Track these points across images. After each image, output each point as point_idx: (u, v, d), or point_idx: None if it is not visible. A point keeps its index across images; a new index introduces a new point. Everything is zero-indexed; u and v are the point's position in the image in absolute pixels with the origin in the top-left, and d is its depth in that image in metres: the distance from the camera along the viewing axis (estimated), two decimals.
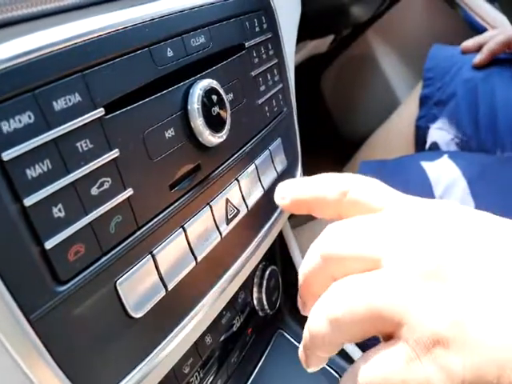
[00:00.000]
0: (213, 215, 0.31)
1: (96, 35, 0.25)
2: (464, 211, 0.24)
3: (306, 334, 0.26)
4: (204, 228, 0.30)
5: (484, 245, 0.22)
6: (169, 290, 0.27)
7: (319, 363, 0.27)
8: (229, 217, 0.33)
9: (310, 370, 0.28)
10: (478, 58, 0.70)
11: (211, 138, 0.30)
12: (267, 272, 0.45)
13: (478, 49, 0.73)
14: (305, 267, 0.27)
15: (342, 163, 0.95)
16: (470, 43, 0.75)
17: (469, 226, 0.23)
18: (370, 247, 0.24)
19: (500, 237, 0.22)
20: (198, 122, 0.29)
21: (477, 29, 1.05)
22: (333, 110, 1.21)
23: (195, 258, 0.29)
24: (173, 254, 0.28)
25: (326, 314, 0.24)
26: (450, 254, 0.22)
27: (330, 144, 1.20)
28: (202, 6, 0.33)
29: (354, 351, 0.50)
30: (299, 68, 0.85)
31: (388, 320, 0.22)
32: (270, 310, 0.45)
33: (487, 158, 0.54)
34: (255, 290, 0.45)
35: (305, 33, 0.57)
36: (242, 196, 0.34)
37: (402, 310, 0.21)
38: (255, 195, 0.36)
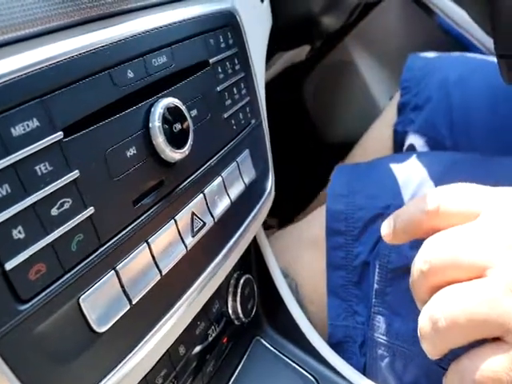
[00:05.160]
0: (177, 228, 0.32)
1: (55, 61, 0.25)
2: None
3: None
4: (169, 241, 0.31)
5: None
6: (133, 303, 0.28)
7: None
8: (194, 229, 0.34)
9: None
10: None
11: (173, 154, 0.31)
12: (241, 281, 0.46)
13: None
14: (411, 278, 0.30)
15: (324, 169, 0.96)
16: None
17: None
18: (475, 256, 0.25)
19: None
20: (160, 140, 0.30)
21: (452, 34, 1.08)
22: (314, 116, 1.22)
23: (160, 272, 0.30)
24: (137, 269, 0.29)
25: (431, 322, 0.26)
26: None
27: (311, 151, 1.22)
28: (163, 26, 0.34)
29: (334, 359, 0.51)
30: (280, 76, 0.86)
31: (496, 328, 0.23)
32: (245, 318, 0.46)
33: (456, 156, 0.55)
34: (230, 299, 0.45)
35: (277, 45, 0.58)
36: (208, 208, 0.35)
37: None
38: (222, 207, 0.37)
